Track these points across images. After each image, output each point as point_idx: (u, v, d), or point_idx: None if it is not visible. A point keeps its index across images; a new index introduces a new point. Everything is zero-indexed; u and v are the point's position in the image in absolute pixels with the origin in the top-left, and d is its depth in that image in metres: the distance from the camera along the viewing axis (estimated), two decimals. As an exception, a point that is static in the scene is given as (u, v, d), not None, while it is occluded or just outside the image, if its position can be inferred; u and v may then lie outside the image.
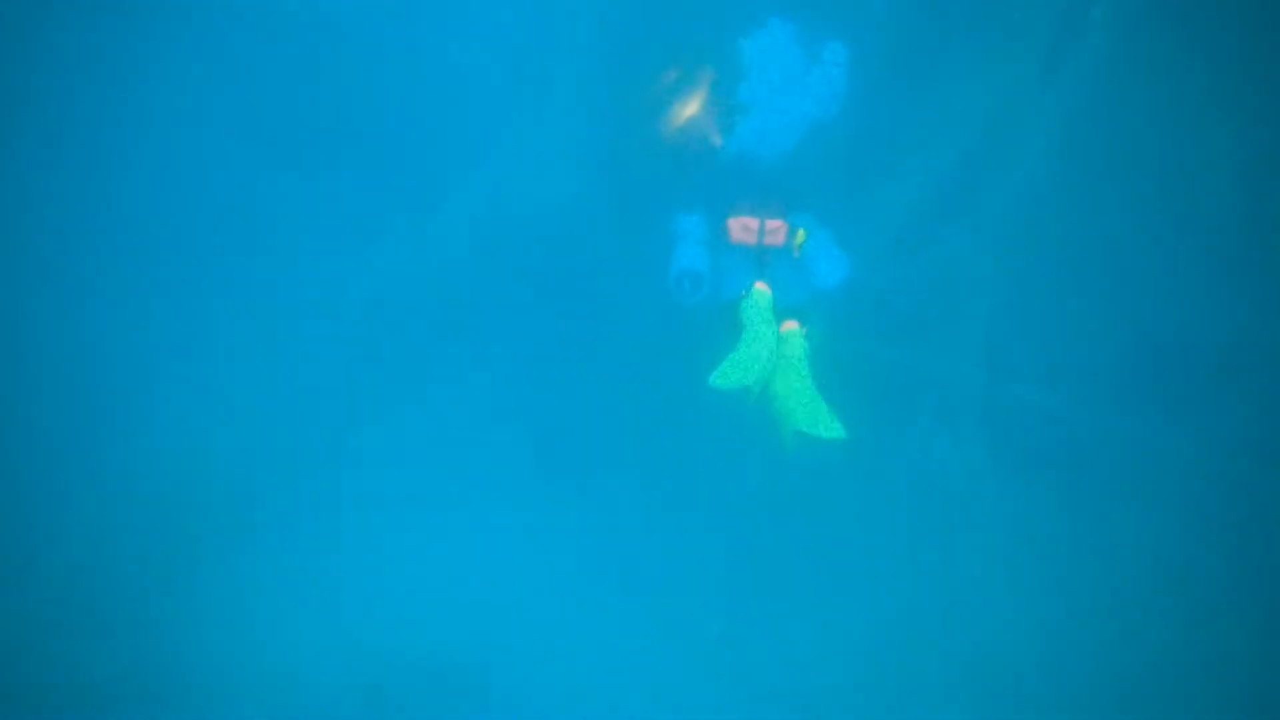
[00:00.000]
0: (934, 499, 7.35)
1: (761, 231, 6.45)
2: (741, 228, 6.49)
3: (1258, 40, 6.69)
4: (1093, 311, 7.26)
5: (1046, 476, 7.26)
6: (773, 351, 6.13)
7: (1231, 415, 6.96)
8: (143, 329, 7.49)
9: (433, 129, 7.64)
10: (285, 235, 7.73)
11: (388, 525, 7.49)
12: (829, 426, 6.02)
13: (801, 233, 6.54)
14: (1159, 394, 7.09)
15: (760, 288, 6.33)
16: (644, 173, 7.38)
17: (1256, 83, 6.75)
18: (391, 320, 7.69)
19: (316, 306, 7.68)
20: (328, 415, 7.66)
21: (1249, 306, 6.98)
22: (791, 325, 6.38)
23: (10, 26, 7.17)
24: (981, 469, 7.32)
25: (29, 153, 7.31)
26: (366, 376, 7.75)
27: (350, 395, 7.74)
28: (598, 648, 7.14)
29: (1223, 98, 6.86)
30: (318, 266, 7.67)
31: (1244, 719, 6.51)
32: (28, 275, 7.37)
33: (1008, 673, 6.89)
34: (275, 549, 7.26)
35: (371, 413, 7.75)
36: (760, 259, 6.50)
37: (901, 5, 7.25)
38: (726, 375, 6.03)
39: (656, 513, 7.53)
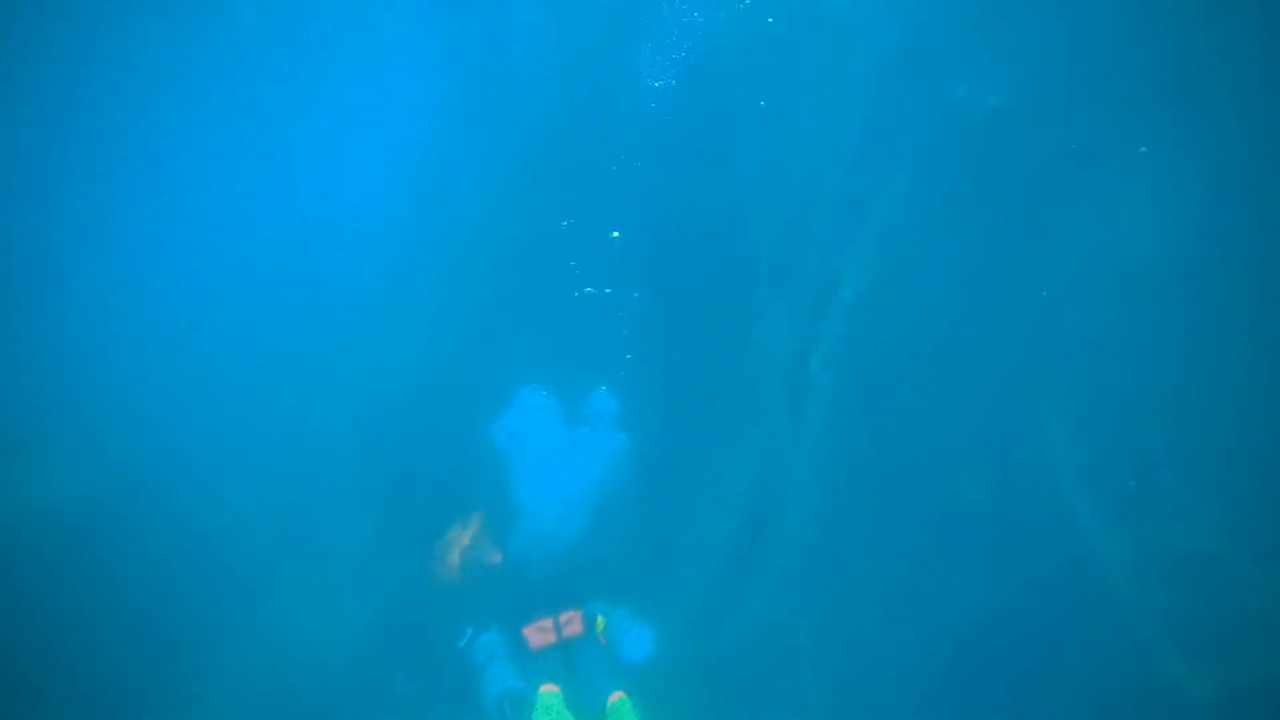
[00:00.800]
0: None
1: (558, 628, 6.46)
2: (538, 631, 6.47)
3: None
4: (907, 645, 7.51)
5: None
6: None
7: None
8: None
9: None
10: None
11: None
12: None
13: (600, 619, 6.58)
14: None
15: (547, 690, 6.21)
16: (437, 608, 7.33)
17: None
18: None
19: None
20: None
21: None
22: (619, 695, 6.24)
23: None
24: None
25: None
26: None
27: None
28: None
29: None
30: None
31: None
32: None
33: None
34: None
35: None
36: (566, 653, 6.46)
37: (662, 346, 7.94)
38: None
39: None
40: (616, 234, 7.84)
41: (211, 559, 7.50)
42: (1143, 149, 7.18)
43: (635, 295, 7.89)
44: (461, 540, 7.10)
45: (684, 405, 7.88)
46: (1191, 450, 6.96)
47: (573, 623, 6.48)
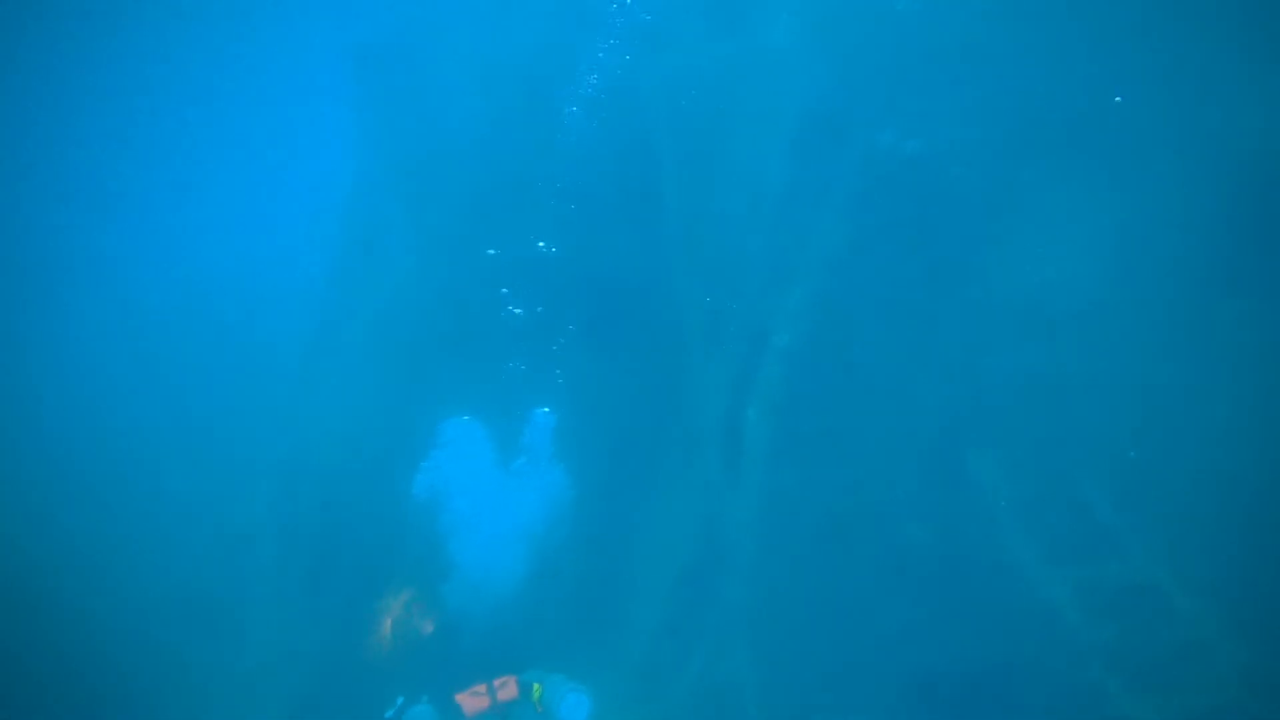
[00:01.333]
0: None
1: (492, 692, 6.37)
2: (471, 696, 6.40)
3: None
4: (855, 697, 7.45)
5: None
6: None
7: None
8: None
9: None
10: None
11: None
12: None
13: (537, 686, 6.51)
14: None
15: None
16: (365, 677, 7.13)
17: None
18: None
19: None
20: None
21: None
22: None
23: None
24: None
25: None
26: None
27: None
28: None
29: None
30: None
31: None
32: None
33: None
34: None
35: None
36: (502, 717, 6.37)
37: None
38: None
39: None
40: (543, 244, 7.91)
41: (121, 639, 7.22)
42: (1118, 98, 7.37)
43: (571, 327, 7.94)
44: (393, 609, 6.99)
45: (618, 459, 7.87)
46: (1124, 484, 7.13)
47: (507, 686, 6.39)
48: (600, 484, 7.62)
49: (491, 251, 7.89)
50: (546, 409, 7.38)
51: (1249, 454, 6.63)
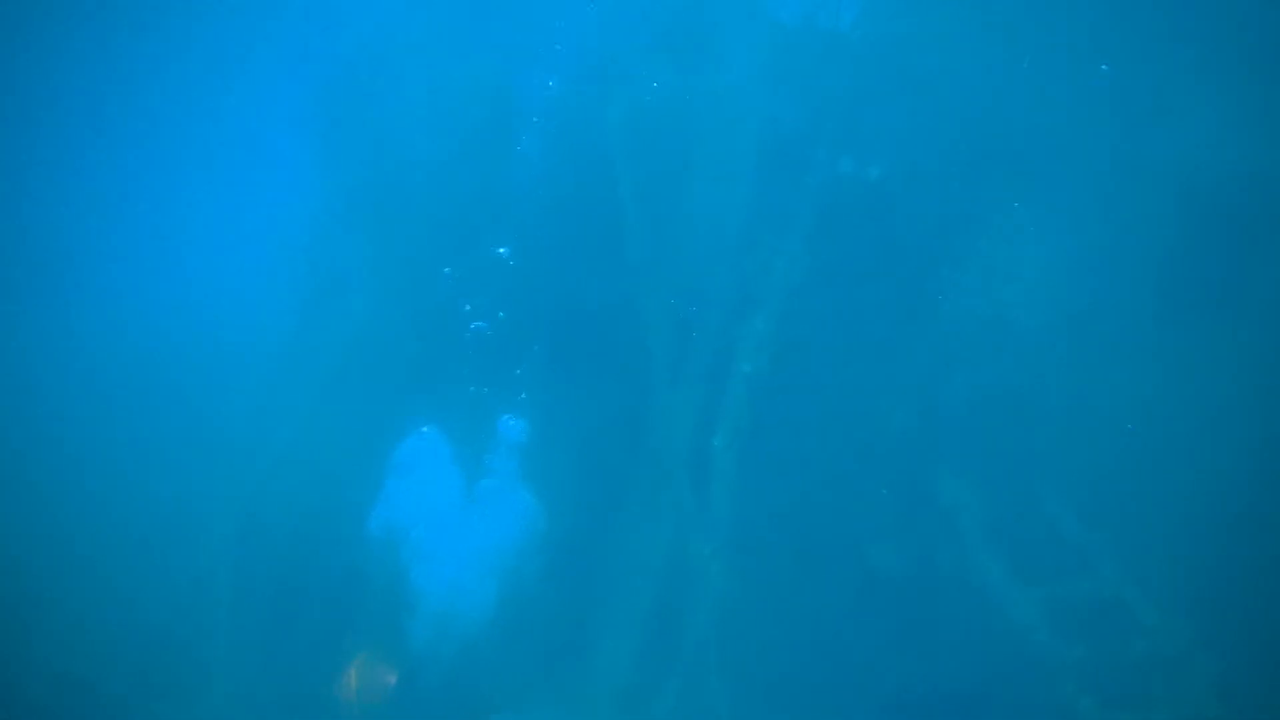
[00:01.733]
0: None
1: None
2: (438, 741, 6.29)
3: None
4: None
5: None
6: None
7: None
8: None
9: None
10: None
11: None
12: None
13: (504, 729, 6.45)
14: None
15: None
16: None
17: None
18: None
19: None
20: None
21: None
22: None
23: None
24: None
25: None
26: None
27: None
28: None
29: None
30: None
31: None
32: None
33: None
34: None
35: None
36: None
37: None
38: None
39: None
40: (503, 250, 7.91)
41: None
42: (1103, 67, 7.49)
43: (536, 346, 7.92)
44: (357, 658, 6.89)
45: (584, 487, 7.83)
46: (1092, 501, 7.25)
47: (474, 731, 6.31)
48: (566, 513, 7.57)
49: (447, 270, 7.89)
50: (510, 416, 7.32)
51: (1216, 467, 6.77)
